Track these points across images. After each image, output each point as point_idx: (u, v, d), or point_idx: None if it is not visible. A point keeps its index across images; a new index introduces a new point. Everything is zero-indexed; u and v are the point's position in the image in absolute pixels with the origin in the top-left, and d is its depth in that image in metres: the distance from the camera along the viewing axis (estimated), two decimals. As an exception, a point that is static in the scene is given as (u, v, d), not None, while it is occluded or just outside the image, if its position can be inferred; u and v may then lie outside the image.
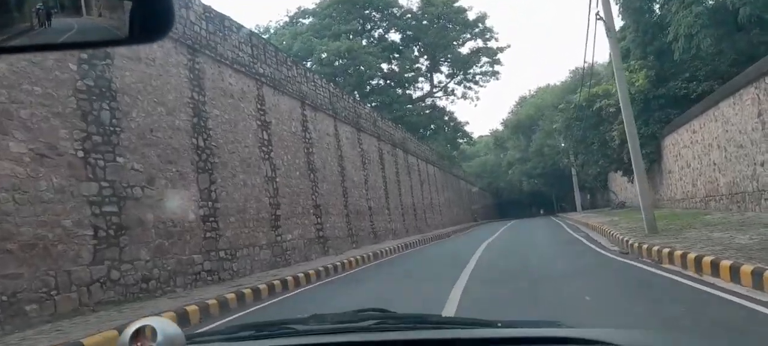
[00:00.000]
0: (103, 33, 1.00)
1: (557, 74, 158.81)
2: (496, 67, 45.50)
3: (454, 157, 47.02)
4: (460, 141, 46.99)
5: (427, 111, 44.68)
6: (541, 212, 54.91)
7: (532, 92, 61.24)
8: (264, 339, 1.42)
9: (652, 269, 8.96)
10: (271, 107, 14.95)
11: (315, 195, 16.99)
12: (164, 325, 0.95)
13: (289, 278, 10.87)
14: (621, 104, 13.32)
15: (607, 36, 13.20)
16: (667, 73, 24.01)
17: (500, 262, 12.47)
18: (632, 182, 29.28)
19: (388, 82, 43.54)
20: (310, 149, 17.29)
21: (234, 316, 7.77)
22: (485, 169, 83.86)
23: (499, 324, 1.42)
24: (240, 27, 13.94)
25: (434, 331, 1.42)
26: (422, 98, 46.21)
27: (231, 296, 8.73)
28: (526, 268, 10.94)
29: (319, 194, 17.28)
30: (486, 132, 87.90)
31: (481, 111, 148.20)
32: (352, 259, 14.90)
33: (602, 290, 7.63)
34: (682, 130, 20.52)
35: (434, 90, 46.91)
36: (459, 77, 46.69)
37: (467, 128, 47.25)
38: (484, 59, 45.33)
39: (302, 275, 11.47)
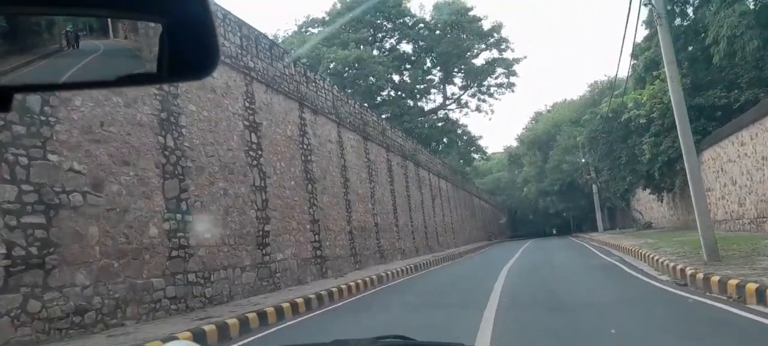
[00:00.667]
0: (132, 67, 0.97)
1: (575, 89, 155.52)
2: (512, 79, 43.59)
3: (467, 173, 44.89)
4: (474, 156, 44.92)
5: (440, 124, 42.74)
6: (554, 231, 52.37)
7: (548, 107, 59.08)
8: None
9: (731, 309, 6.90)
10: (262, 106, 13.04)
11: (313, 208, 15.01)
12: None
13: (269, 310, 8.84)
14: (673, 105, 11.31)
15: (656, 23, 11.23)
16: (702, 81, 21.89)
17: (531, 291, 10.35)
18: (662, 201, 27.05)
19: (399, 93, 41.73)
20: (309, 156, 15.35)
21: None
22: (498, 186, 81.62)
23: None
24: (226, 13, 12.09)
25: None
26: (434, 110, 44.32)
27: (186, 334, 6.72)
28: (563, 298, 8.85)
29: (317, 208, 15.31)
30: (500, 149, 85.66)
31: (495, 127, 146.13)
32: (354, 283, 12.87)
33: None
34: (727, 142, 18.36)
35: (447, 102, 45.01)
36: (473, 89, 44.77)
37: (481, 143, 45.16)
38: (500, 70, 43.41)
39: (287, 304, 9.44)
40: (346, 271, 16.31)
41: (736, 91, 20.30)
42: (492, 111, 46.70)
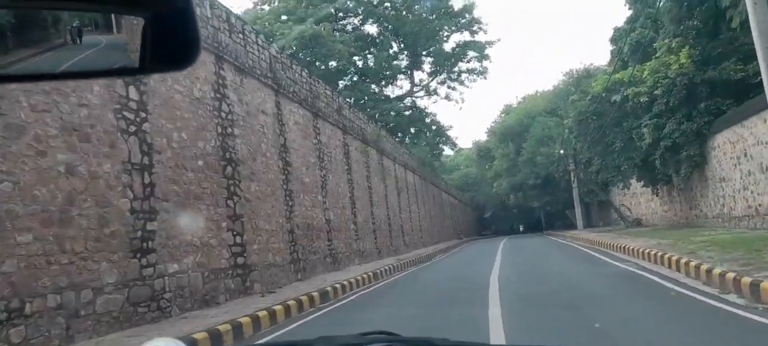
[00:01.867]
0: (123, 59, 1.05)
1: (548, 80, 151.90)
2: (485, 63, 40.18)
3: (435, 166, 41.34)
4: (443, 147, 41.39)
5: (407, 112, 38.99)
6: (521, 228, 49.46)
7: (519, 99, 55.91)
8: None
9: None
10: (149, 50, 8.98)
11: (232, 200, 11.01)
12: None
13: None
14: (752, 25, 7.75)
15: None
16: (711, 53, 18.68)
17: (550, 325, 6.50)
18: (656, 195, 23.92)
19: (363, 78, 37.88)
20: (229, 129, 11.32)
21: None
22: (467, 182, 78.63)
23: None
24: None
25: None
26: (401, 98, 40.54)
27: None
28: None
29: (240, 199, 11.31)
30: (468, 144, 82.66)
31: (464, 122, 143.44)
32: (286, 303, 8.99)
33: None
34: (751, 122, 15.12)
35: (415, 89, 41.29)
36: (442, 76, 41.20)
37: (450, 133, 41.63)
38: (471, 54, 39.99)
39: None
40: (282, 283, 12.37)
41: (755, 62, 17.09)
42: (462, 100, 43.57)
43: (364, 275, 14.42)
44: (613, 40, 29.05)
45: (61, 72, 1.03)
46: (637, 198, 28.55)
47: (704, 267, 8.86)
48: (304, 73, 16.85)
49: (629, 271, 11.20)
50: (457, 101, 44.10)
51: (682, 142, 18.68)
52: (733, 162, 16.74)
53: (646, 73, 19.34)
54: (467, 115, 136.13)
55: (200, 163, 10.04)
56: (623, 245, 15.61)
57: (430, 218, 36.37)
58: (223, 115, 11.16)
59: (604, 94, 21.02)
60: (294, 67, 16.11)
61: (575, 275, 11.73)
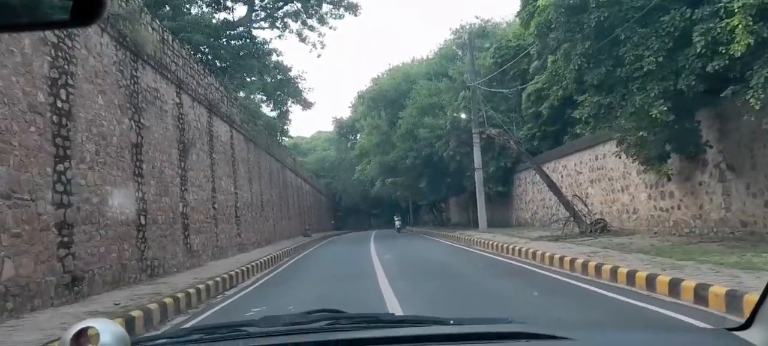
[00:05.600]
0: (42, 13, 0.99)
1: (426, 46, 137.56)
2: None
3: (278, 128, 28.22)
4: (291, 103, 28.35)
5: (237, 42, 25.46)
6: (397, 222, 38.15)
7: (390, 67, 44.34)
8: (215, 341, 1.35)
9: None
10: None
11: None
12: (108, 326, 0.86)
13: None
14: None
15: None
16: None
17: None
18: (671, 178, 13.20)
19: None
20: None
21: None
22: (323, 166, 66.48)
23: (452, 321, 1.41)
24: None
25: (388, 329, 1.39)
26: (233, 25, 26.78)
27: None
28: None
29: None
30: (328, 127, 70.47)
31: (323, 106, 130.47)
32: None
33: None
34: None
35: (254, 15, 27.78)
36: (296, 5, 28.16)
37: (303, 87, 28.69)
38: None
39: None
40: None
41: None
42: (322, 44, 29.65)
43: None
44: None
45: None
46: (600, 186, 18.09)
47: None
48: None
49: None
50: (314, 45, 30.36)
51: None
52: None
53: None
54: (328, 94, 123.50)
55: None
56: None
57: (259, 205, 23.24)
58: None
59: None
60: None
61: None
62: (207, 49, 22.49)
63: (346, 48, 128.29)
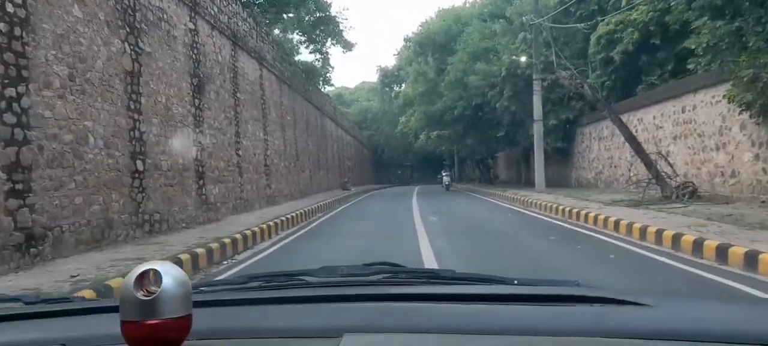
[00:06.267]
0: None
1: None
2: None
3: (320, 74, 26.08)
4: (330, 43, 26.04)
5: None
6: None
7: (439, 10, 40.95)
8: (274, 289, 1.37)
9: None
10: None
11: None
12: (169, 269, 0.82)
13: None
14: None
15: None
16: None
17: None
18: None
19: None
20: None
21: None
22: (366, 118, 64.36)
23: (516, 281, 1.39)
24: None
25: (449, 286, 1.40)
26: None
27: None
28: None
29: None
30: (371, 78, 68.16)
31: (362, 62, 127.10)
32: None
33: None
34: None
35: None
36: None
37: (344, 24, 26.27)
38: None
39: None
40: None
41: None
42: None
43: None
44: None
45: None
46: (686, 142, 15.32)
47: None
48: None
49: None
50: None
51: None
52: None
53: None
54: (374, 42, 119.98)
55: None
56: None
57: (295, 155, 21.37)
58: None
59: None
60: None
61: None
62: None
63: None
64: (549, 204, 14.59)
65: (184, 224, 10.30)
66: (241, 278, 1.52)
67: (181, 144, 10.61)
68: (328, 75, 34.72)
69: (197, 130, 11.50)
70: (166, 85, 10.09)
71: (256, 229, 9.88)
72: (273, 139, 18.02)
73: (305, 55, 26.11)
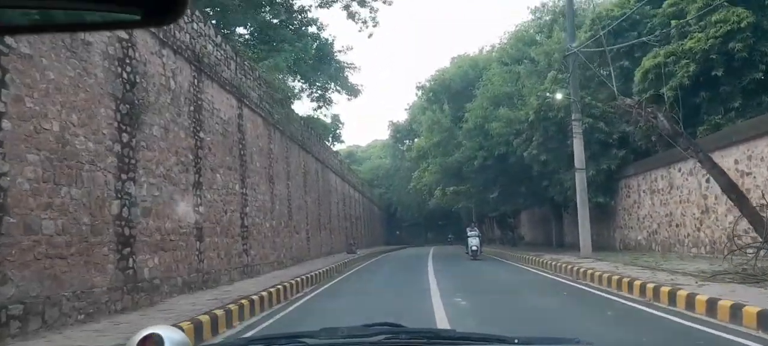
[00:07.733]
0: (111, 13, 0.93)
1: (492, 35, 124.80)
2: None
3: (328, 128, 22.91)
4: (337, 90, 22.91)
5: (267, 6, 20.34)
6: (427, 236, 31.32)
7: (454, 57, 37.87)
8: None
9: None
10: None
11: None
12: (171, 333, 0.87)
13: None
14: None
15: None
16: None
17: None
18: None
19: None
20: None
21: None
22: (377, 175, 61.12)
23: (517, 340, 1.37)
24: None
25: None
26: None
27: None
28: None
29: None
30: (383, 136, 65.43)
31: (374, 120, 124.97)
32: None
33: None
34: None
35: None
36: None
37: (349, 73, 23.22)
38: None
39: None
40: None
41: None
42: (374, 22, 23.42)
43: None
44: None
45: (57, 23, 0.95)
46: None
47: None
48: None
49: None
50: (365, 22, 24.35)
51: None
52: None
53: None
54: (386, 99, 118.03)
55: None
56: None
57: (287, 213, 17.86)
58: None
59: None
60: None
61: None
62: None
63: (404, 46, 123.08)
64: (607, 275, 10.82)
65: (80, 315, 6.75)
66: (242, 340, 1.66)
67: (89, 194, 7.19)
68: (337, 132, 31.79)
69: (124, 176, 8.10)
70: (61, 107, 6.78)
71: (185, 323, 6.28)
72: (256, 194, 14.60)
73: (307, 103, 23.05)
